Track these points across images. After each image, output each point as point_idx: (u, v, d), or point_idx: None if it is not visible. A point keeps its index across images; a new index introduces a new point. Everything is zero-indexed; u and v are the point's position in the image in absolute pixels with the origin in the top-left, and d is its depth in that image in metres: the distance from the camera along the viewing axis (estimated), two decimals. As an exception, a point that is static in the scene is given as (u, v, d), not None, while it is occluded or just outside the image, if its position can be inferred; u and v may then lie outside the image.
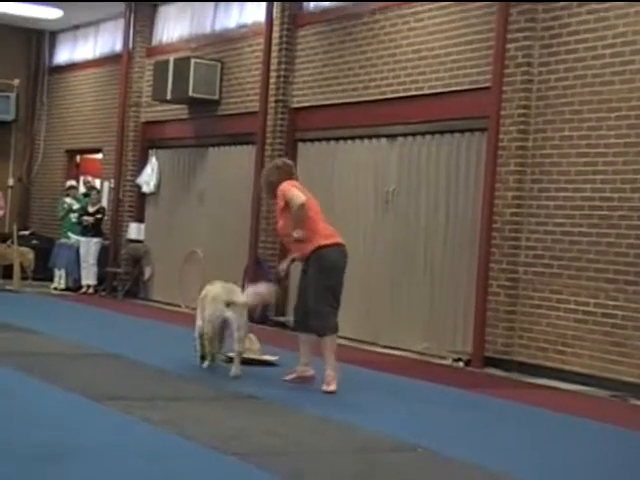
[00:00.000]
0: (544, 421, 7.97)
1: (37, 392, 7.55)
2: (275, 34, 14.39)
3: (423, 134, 12.20)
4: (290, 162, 9.25)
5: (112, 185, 18.11)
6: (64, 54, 20.86)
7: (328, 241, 8.52)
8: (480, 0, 11.35)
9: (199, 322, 9.09)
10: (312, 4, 14.27)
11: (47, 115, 21.06)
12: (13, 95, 20.79)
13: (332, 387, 8.33)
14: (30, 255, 17.50)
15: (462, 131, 11.69)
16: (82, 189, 18.95)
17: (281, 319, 13.46)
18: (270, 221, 14.14)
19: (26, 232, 19.59)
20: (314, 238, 8.47)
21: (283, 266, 8.93)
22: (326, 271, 8.46)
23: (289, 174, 8.81)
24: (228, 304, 8.75)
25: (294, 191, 8.51)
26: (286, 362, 9.20)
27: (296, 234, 8.43)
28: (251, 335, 9.87)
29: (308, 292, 8.54)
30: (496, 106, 10.86)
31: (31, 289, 16.84)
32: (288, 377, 8.71)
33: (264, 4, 14.58)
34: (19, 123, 21.14)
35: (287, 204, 8.48)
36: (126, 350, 9.90)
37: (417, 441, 6.46)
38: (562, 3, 10.45)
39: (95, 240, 17.38)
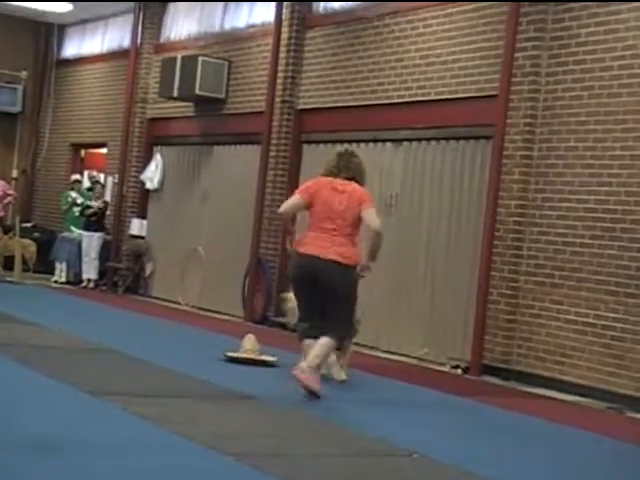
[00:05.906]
0: (538, 430, 7.96)
1: (34, 385, 7.54)
2: (284, 35, 14.40)
3: (428, 140, 12.21)
4: (343, 152, 8.55)
5: (116, 180, 18.13)
6: (72, 48, 20.89)
7: (300, 249, 8.23)
8: (490, 0, 11.36)
9: None
10: (321, 5, 14.29)
11: (53, 108, 21.09)
12: (20, 87, 20.85)
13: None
14: (32, 247, 17.51)
15: (467, 138, 11.70)
16: (86, 183, 18.96)
17: (280, 320, 13.44)
18: (272, 222, 14.15)
19: (28, 224, 19.62)
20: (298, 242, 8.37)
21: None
22: (291, 280, 8.54)
23: (326, 170, 8.37)
24: None
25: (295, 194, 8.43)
26: (285, 363, 9.20)
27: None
28: (250, 335, 9.88)
29: None
30: (502, 114, 10.86)
31: (32, 281, 16.85)
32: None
33: (273, 5, 14.60)
34: (25, 115, 21.19)
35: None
36: (124, 346, 9.89)
37: (413, 447, 6.47)
38: (571, 13, 10.47)
39: (97, 234, 17.38)
